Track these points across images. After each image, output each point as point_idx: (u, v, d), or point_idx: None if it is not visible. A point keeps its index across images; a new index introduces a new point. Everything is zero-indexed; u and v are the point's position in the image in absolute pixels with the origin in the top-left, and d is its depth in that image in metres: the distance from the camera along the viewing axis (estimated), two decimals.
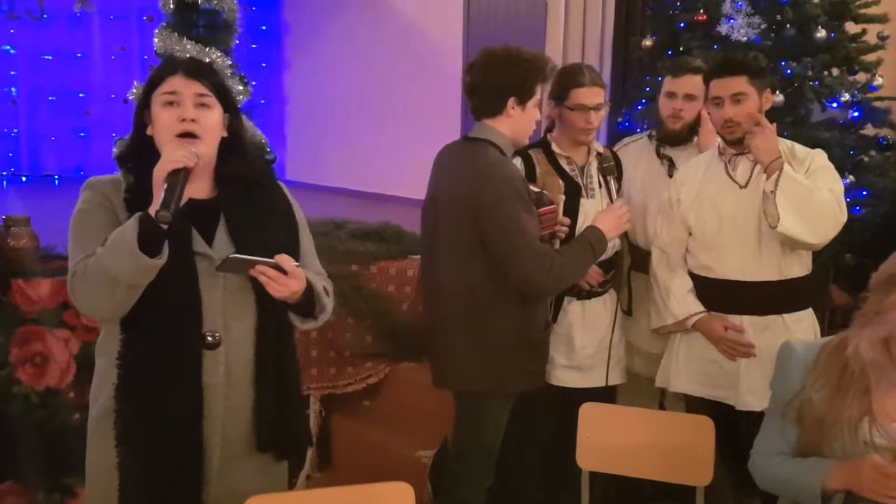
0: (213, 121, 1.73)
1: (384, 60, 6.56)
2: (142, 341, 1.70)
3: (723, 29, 3.54)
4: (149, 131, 1.74)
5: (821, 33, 3.46)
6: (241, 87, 3.43)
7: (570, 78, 2.59)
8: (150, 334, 1.70)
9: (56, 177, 6.87)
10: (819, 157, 2.49)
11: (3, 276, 2.74)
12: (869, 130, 3.64)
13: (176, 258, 1.65)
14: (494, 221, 2.26)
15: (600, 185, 2.65)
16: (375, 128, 6.61)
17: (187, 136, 1.69)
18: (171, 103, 1.71)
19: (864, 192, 3.45)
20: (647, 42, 3.83)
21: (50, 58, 6.89)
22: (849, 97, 3.47)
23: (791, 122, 3.46)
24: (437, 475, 2.87)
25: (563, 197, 2.56)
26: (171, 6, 3.33)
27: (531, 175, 2.60)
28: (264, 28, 7.59)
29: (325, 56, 7.23)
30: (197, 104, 1.71)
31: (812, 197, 2.33)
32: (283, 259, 1.67)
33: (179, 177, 1.60)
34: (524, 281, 2.29)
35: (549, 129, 2.72)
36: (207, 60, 3.21)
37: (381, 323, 3.25)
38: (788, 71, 3.50)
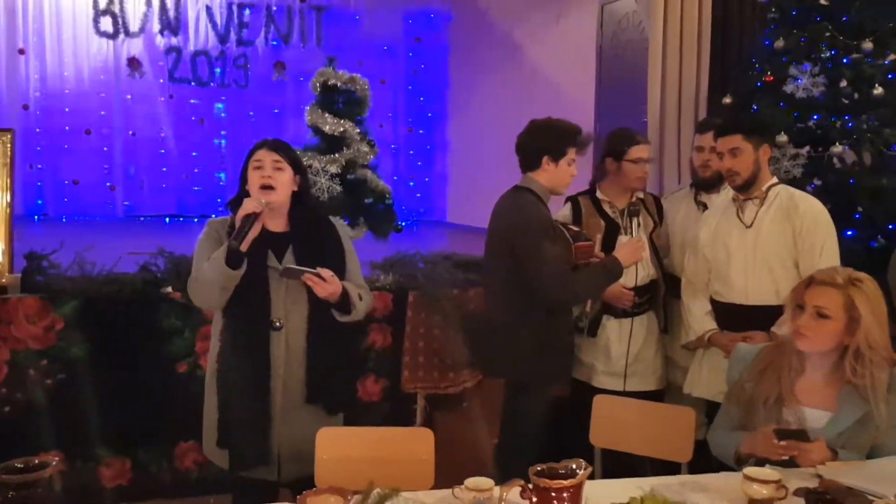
0: (284, 179, 2.50)
1: (528, 114, 7.31)
2: (234, 324, 2.48)
3: (788, 88, 3.99)
4: (247, 187, 2.53)
5: (878, 90, 3.82)
6: (366, 149, 4.28)
7: (629, 138, 3.24)
8: (239, 319, 2.47)
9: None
10: (817, 217, 2.87)
11: None
12: None
13: (256, 270, 2.42)
14: (522, 247, 2.89)
15: (636, 224, 3.21)
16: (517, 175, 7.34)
17: (266, 187, 2.47)
18: (258, 167, 2.49)
19: None
20: (727, 100, 4.32)
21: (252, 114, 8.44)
22: None
23: (852, 171, 3.83)
24: None
25: (599, 236, 3.16)
26: (318, 88, 4.31)
27: (578, 215, 3.25)
28: (430, 115, 8.81)
29: (479, 116, 8.17)
30: (274, 168, 2.49)
31: None
32: (324, 271, 2.40)
33: (249, 219, 2.38)
34: (543, 293, 2.89)
35: (596, 180, 3.35)
36: (342, 129, 4.12)
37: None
38: (850, 125, 3.88)
